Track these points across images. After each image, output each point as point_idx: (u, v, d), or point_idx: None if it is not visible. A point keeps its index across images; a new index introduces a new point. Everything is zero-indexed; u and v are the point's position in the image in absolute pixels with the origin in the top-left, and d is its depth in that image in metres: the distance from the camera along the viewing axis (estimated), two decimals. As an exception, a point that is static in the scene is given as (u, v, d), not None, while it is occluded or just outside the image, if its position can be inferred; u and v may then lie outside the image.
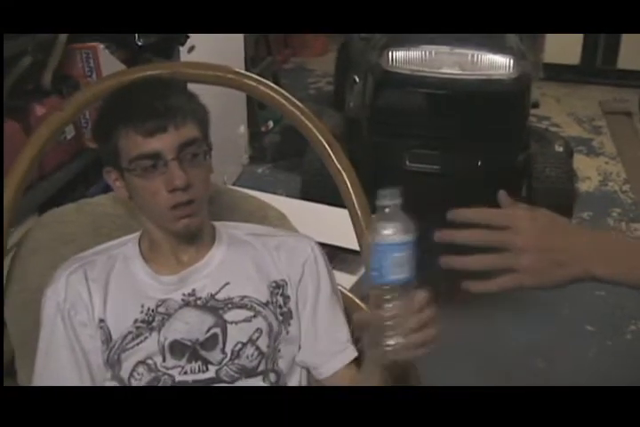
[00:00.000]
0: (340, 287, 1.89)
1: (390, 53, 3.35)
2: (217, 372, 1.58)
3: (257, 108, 4.90)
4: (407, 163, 3.34)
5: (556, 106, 5.93)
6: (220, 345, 1.59)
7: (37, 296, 1.66)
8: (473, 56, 3.35)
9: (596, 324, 3.38)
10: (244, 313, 1.61)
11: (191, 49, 3.56)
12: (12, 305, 1.78)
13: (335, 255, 2.83)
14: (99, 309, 1.60)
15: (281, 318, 1.64)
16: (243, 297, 1.61)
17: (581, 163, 4.86)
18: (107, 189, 2.89)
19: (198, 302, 1.60)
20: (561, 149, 4.17)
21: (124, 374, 1.57)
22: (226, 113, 4.32)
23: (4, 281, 1.82)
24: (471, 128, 3.34)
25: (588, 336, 3.31)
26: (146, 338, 1.58)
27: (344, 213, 3.12)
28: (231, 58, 4.40)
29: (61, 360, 1.59)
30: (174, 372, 1.57)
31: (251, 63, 4.79)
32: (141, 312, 1.59)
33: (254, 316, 1.61)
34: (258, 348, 1.60)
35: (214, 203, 1.87)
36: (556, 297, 3.55)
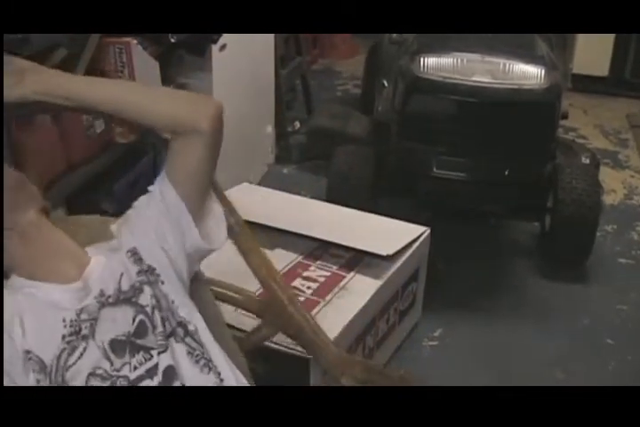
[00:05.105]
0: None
1: (422, 59, 3.33)
2: (159, 354, 1.60)
3: (284, 108, 4.91)
4: (435, 169, 3.33)
5: (584, 117, 5.90)
6: (151, 328, 1.62)
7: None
8: (505, 65, 3.33)
9: (616, 338, 3.36)
10: (149, 291, 1.65)
11: (222, 47, 3.57)
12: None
13: (360, 260, 2.84)
14: (19, 341, 1.57)
15: (151, 278, 1.66)
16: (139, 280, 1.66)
17: (607, 175, 4.83)
18: (133, 183, 2.92)
19: (110, 300, 1.63)
20: (587, 161, 4.16)
21: None
22: (254, 112, 4.33)
23: None
24: (500, 137, 3.32)
25: (608, 350, 3.29)
26: (85, 349, 1.58)
27: (370, 217, 3.15)
28: (261, 57, 4.42)
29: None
30: (125, 371, 1.58)
31: (280, 63, 4.80)
32: (65, 327, 1.59)
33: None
34: (164, 309, 1.65)
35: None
36: (578, 309, 3.54)
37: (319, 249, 2.91)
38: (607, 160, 5.14)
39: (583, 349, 3.29)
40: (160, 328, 1.62)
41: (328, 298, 2.63)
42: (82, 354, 1.57)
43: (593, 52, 5.94)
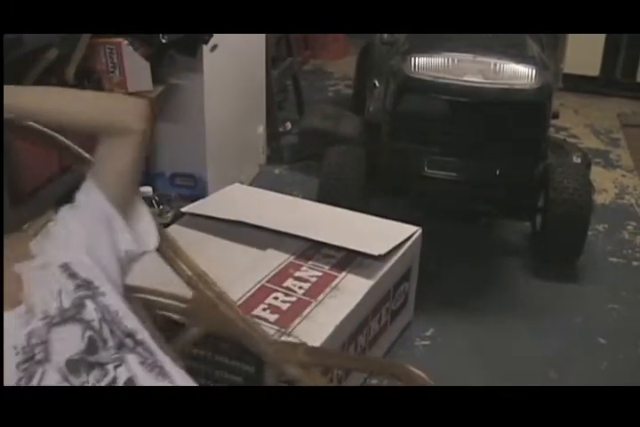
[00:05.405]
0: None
1: (413, 59, 3.33)
2: (116, 369, 1.57)
3: (276, 109, 4.91)
4: (426, 169, 3.33)
5: (575, 117, 5.91)
6: (101, 343, 1.58)
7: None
8: (495, 65, 3.33)
9: (608, 337, 3.36)
10: (92, 305, 1.61)
11: (214, 48, 3.57)
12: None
13: (352, 259, 2.84)
14: None
15: (90, 292, 1.62)
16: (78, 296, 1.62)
17: (598, 175, 4.84)
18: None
19: (55, 321, 1.57)
20: (579, 161, 4.17)
21: None
22: (245, 113, 4.33)
23: None
24: (491, 137, 3.33)
25: (600, 349, 3.29)
26: (43, 374, 1.52)
27: (361, 217, 3.15)
28: (253, 57, 4.41)
29: None
30: None
31: (271, 63, 4.80)
32: (17, 354, 1.52)
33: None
34: (110, 321, 1.61)
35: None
36: (569, 309, 3.55)
37: (311, 249, 2.91)
38: (598, 160, 5.16)
39: (575, 348, 3.29)
40: (110, 342, 1.58)
41: (320, 298, 2.63)
42: (40, 380, 1.51)
43: (584, 51, 5.94)
